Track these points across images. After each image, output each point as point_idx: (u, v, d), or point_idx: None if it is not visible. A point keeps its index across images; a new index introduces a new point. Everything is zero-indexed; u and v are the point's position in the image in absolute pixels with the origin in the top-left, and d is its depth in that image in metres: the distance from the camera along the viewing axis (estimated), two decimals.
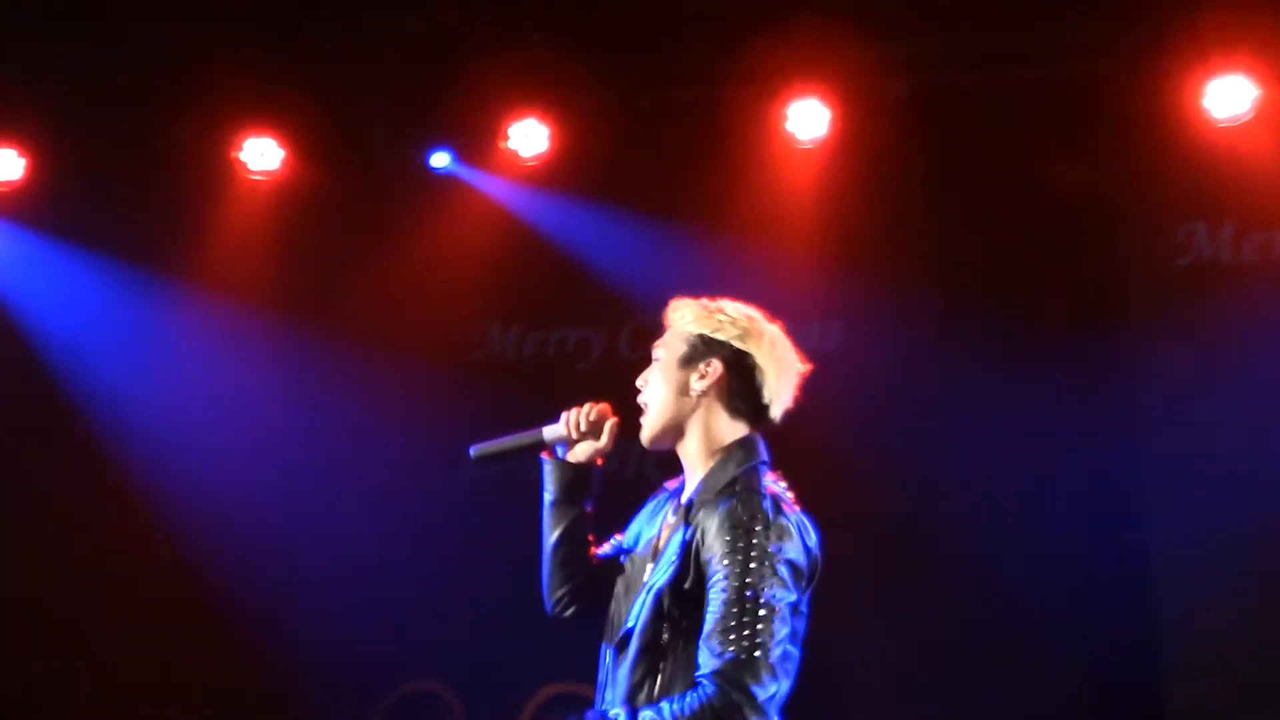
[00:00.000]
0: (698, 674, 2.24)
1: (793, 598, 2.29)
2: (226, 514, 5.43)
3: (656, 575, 2.39)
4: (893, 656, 5.36)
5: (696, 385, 2.46)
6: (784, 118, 5.25)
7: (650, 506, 2.61)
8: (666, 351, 2.52)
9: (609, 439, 2.60)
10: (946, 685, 5.25)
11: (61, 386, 5.70)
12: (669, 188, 5.55)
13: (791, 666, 2.31)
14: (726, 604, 2.24)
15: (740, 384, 2.47)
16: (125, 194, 5.79)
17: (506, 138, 5.43)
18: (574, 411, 2.60)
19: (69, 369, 5.71)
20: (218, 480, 5.44)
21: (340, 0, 5.24)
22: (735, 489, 2.37)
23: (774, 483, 2.43)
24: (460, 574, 5.31)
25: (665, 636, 2.35)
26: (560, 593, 2.62)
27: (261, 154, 5.57)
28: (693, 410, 2.48)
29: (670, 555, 2.38)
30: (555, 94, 5.37)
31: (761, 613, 2.23)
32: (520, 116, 5.40)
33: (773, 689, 2.23)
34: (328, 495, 5.49)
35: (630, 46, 5.37)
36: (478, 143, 5.57)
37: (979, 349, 5.27)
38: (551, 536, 2.61)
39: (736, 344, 2.47)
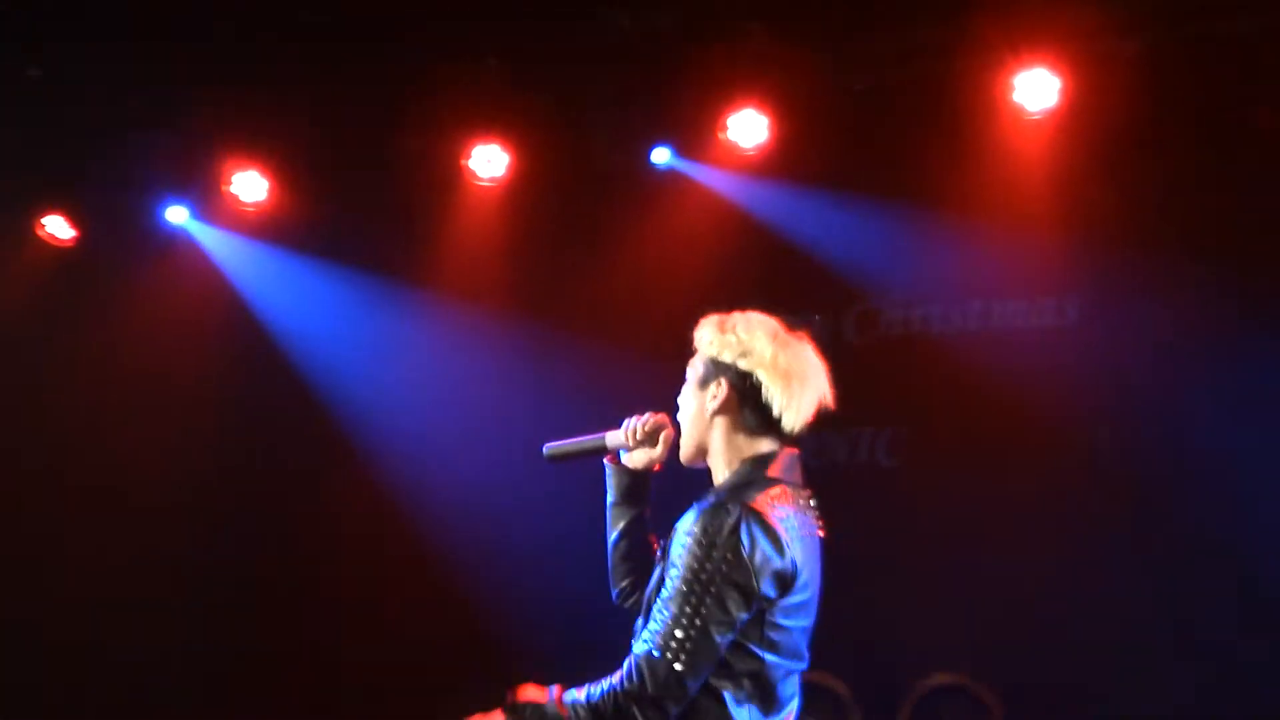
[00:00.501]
0: (629, 658, 2.40)
1: (727, 617, 2.37)
2: (479, 512, 5.58)
3: (651, 589, 2.52)
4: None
5: (709, 406, 2.58)
6: (1011, 89, 5.06)
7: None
8: (690, 373, 2.65)
9: (664, 449, 2.73)
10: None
11: (317, 394, 5.98)
12: (893, 169, 5.42)
13: (711, 670, 2.38)
14: (663, 604, 2.39)
15: (748, 401, 2.55)
16: (362, 207, 6.06)
17: (726, 129, 5.43)
18: (633, 420, 2.75)
19: (323, 377, 5.99)
20: (464, 478, 5.60)
21: (554, 3, 5.32)
22: (713, 500, 2.45)
23: (771, 497, 2.46)
24: None
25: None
26: (623, 584, 2.78)
27: (489, 160, 5.74)
28: (709, 430, 2.59)
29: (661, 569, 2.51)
30: (773, 83, 5.33)
31: (685, 627, 2.36)
32: (739, 107, 5.39)
33: (676, 693, 2.35)
34: (561, 492, 5.56)
35: (846, 29, 5.26)
36: (697, 136, 5.58)
37: (1221, 321, 4.97)
38: (612, 534, 2.79)
39: (740, 364, 2.55)
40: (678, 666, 2.35)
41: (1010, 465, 5.05)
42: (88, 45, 5.36)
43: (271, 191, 6.05)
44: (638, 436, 2.74)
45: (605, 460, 2.80)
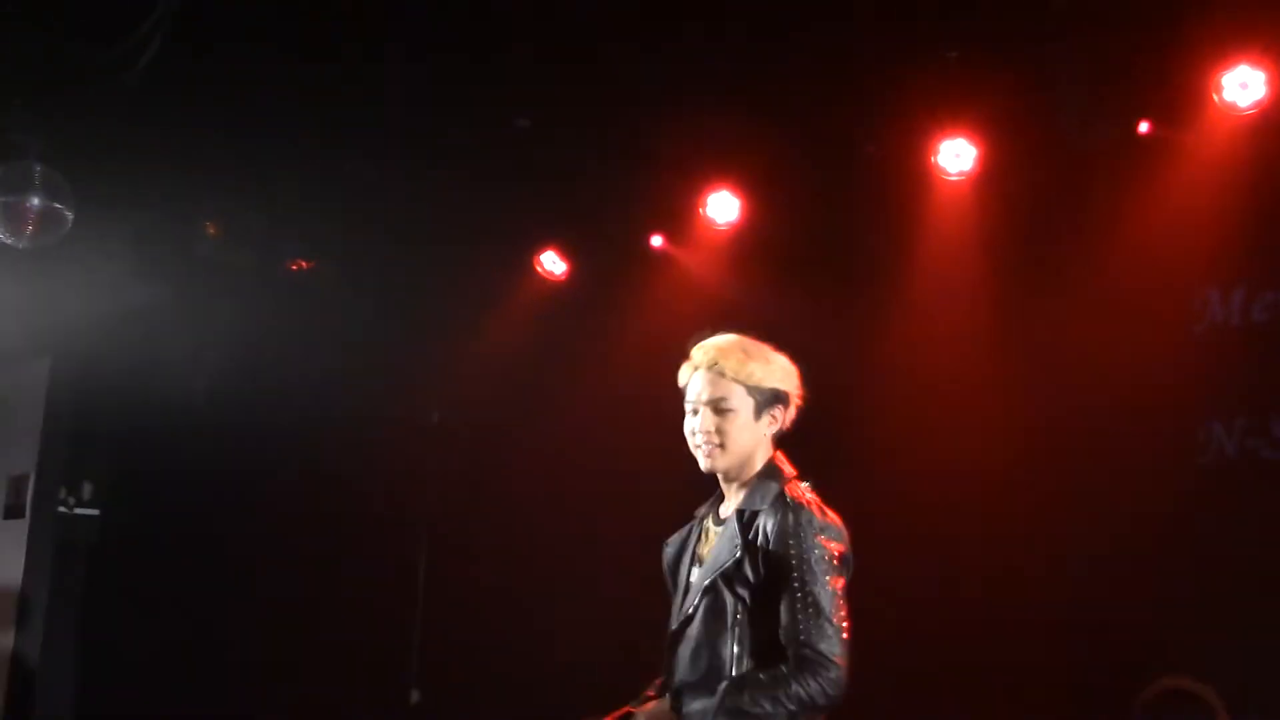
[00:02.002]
0: (788, 663, 2.83)
1: (843, 582, 2.93)
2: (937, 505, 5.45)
3: (708, 571, 3.01)
4: None
5: (768, 430, 3.14)
6: None
7: (676, 547, 3.23)
8: (736, 400, 3.11)
9: None
10: None
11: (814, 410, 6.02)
12: None
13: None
14: (802, 597, 2.85)
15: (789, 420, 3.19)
16: (832, 216, 6.09)
17: (1220, 90, 4.99)
18: None
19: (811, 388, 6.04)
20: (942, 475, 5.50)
21: None
22: (786, 501, 2.98)
23: (807, 492, 3.04)
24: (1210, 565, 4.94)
25: (733, 615, 2.94)
26: None
27: (957, 155, 5.61)
28: (758, 447, 3.12)
29: (722, 553, 3.00)
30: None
31: (838, 598, 2.88)
32: (1230, 65, 4.94)
33: (840, 650, 2.83)
34: (1075, 482, 5.33)
35: None
36: (1183, 101, 5.19)
37: None
38: None
39: (789, 390, 3.16)
40: (835, 637, 2.85)
41: None
42: (564, 93, 5.72)
43: (743, 209, 6.24)
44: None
45: None
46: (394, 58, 5.54)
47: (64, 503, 8.30)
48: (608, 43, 5.39)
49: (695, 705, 2.94)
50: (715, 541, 3.08)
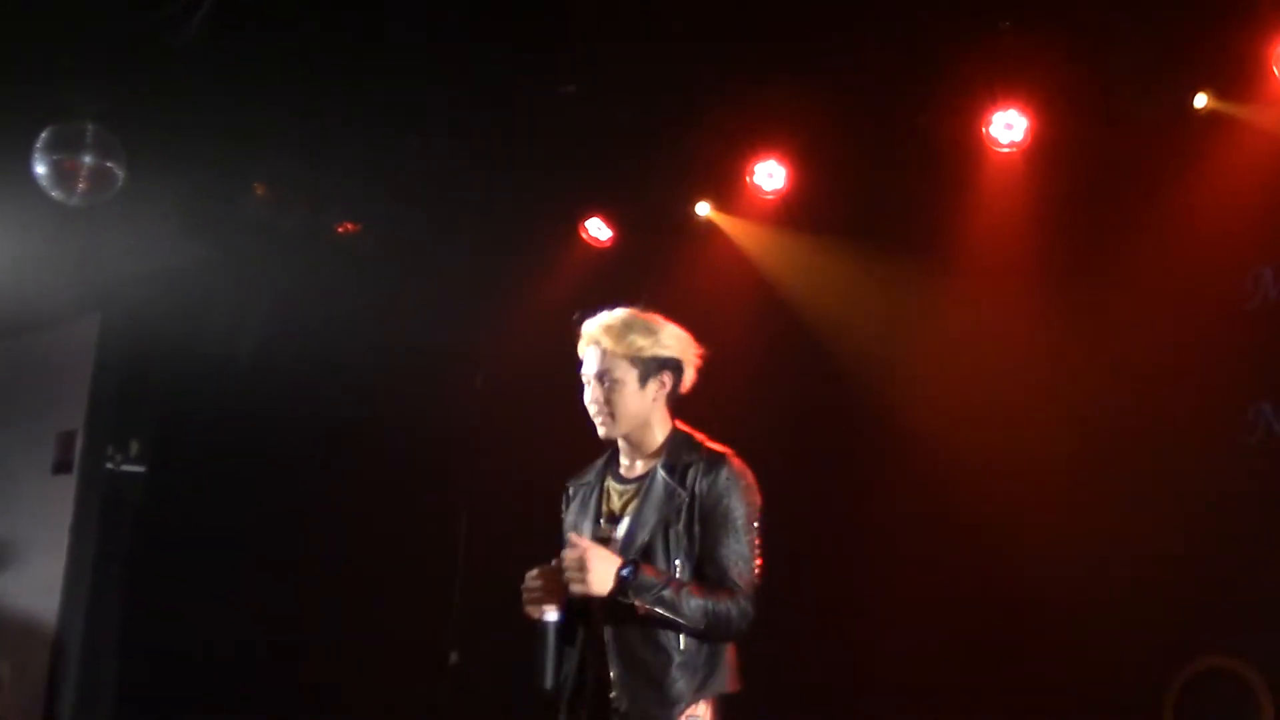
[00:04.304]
0: (724, 580, 3.20)
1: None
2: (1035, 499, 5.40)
3: (646, 522, 3.27)
4: None
5: (656, 394, 3.44)
6: None
7: (574, 513, 3.49)
8: (615, 368, 3.42)
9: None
10: None
11: (853, 378, 5.98)
12: None
13: None
14: (735, 546, 3.22)
15: (678, 384, 3.47)
16: (881, 187, 6.04)
17: (1277, 62, 4.90)
18: (568, 565, 3.18)
19: (854, 360, 6.02)
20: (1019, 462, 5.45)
21: None
22: (715, 456, 3.33)
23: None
24: (1256, 545, 4.89)
25: (673, 567, 3.22)
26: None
27: (1008, 126, 5.55)
28: (650, 411, 3.41)
29: (660, 505, 3.27)
30: None
31: (757, 545, 3.27)
32: None
33: (755, 595, 3.23)
34: (1121, 458, 5.28)
35: None
36: (1239, 76, 5.10)
37: None
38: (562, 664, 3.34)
39: (677, 357, 3.45)
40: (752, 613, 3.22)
41: None
42: (611, 61, 5.70)
43: (790, 178, 6.20)
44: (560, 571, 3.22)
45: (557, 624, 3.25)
46: (443, 23, 5.52)
47: (111, 459, 8.41)
48: (657, 9, 5.35)
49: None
50: (641, 497, 3.31)
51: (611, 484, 3.44)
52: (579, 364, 3.49)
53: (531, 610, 3.27)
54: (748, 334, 6.16)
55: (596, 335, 3.41)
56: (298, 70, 5.82)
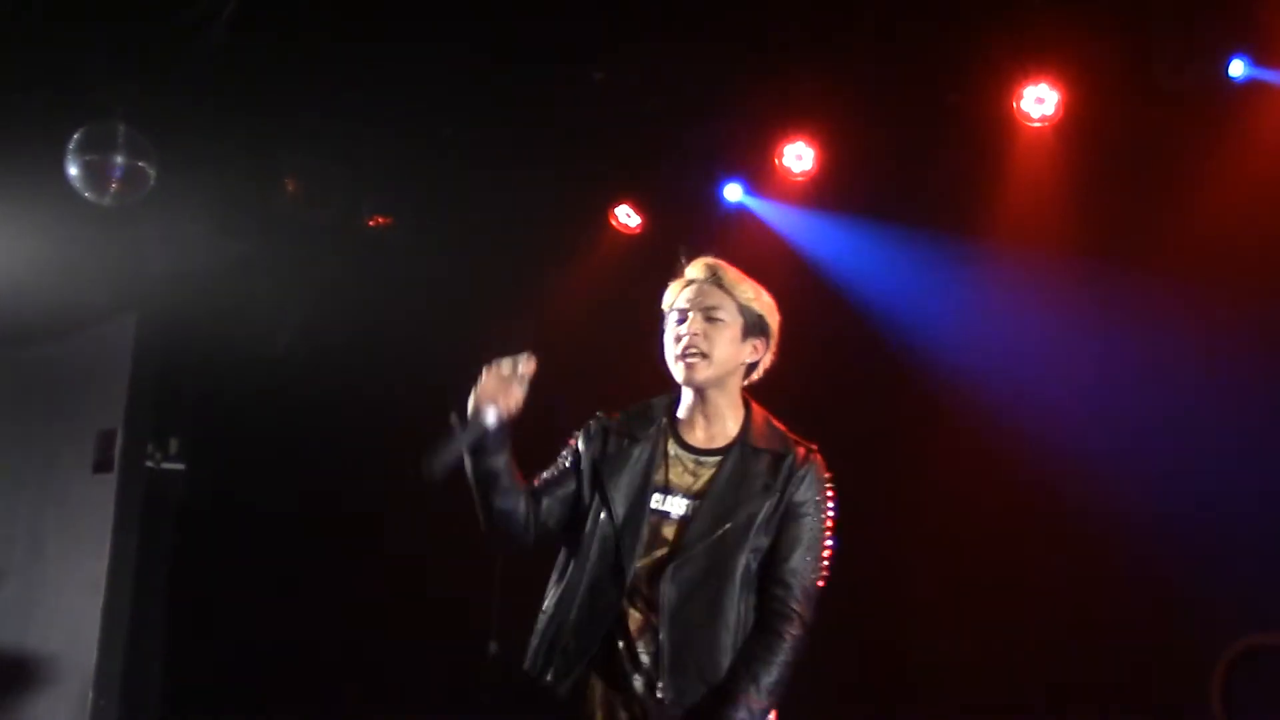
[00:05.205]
0: (790, 600, 2.92)
1: None
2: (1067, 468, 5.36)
3: (723, 511, 2.93)
4: None
5: (746, 358, 3.16)
6: None
7: (611, 459, 3.09)
8: (727, 314, 3.12)
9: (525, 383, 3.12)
10: None
11: (895, 356, 5.93)
12: None
13: None
14: (813, 558, 2.98)
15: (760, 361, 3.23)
16: (911, 164, 5.99)
17: None
18: (509, 369, 3.09)
19: (894, 338, 5.97)
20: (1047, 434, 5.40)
21: None
22: (805, 450, 3.07)
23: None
24: None
25: (745, 560, 2.92)
26: (549, 517, 3.21)
27: (1039, 100, 5.49)
28: (734, 374, 3.14)
29: (742, 495, 2.94)
30: None
31: (827, 557, 3.01)
32: None
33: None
34: (1155, 442, 5.23)
35: None
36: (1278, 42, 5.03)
37: None
38: (503, 481, 3.13)
39: (772, 331, 3.20)
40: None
41: None
42: (639, 46, 5.68)
43: (819, 159, 6.16)
44: (521, 383, 3.06)
45: (489, 430, 2.97)
46: (470, 14, 5.52)
47: (151, 458, 8.46)
48: None
49: (698, 688, 2.89)
50: (725, 480, 2.97)
51: (679, 451, 3.06)
52: (661, 316, 3.19)
53: (480, 404, 3.00)
54: (781, 317, 6.11)
55: (714, 269, 3.10)
56: (326, 65, 5.84)
